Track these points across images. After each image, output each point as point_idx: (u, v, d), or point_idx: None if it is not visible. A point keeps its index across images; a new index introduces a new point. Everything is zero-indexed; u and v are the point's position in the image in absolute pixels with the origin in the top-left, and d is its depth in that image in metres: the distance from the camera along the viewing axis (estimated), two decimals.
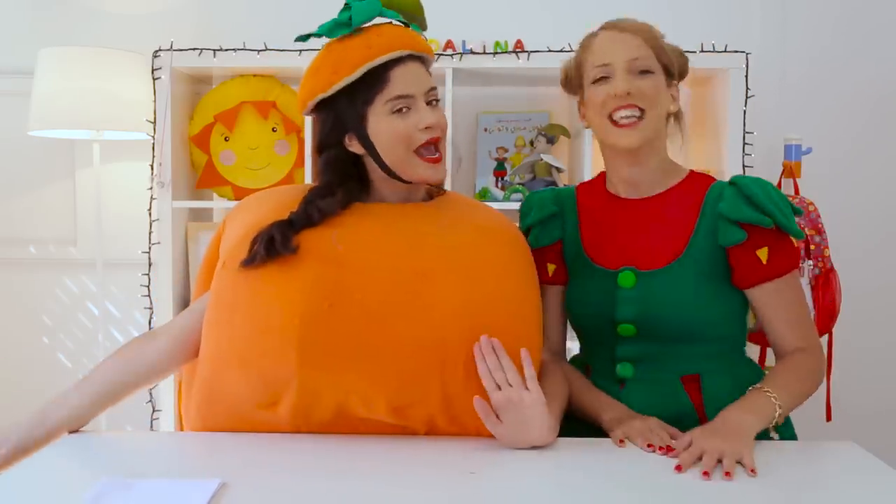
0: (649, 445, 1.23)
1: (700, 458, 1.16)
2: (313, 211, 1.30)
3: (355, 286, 1.24)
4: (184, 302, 2.32)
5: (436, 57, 1.42)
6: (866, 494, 1.09)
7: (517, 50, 2.27)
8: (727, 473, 1.11)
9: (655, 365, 1.40)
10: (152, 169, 2.27)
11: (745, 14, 2.56)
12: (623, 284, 1.41)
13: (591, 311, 1.45)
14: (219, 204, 2.48)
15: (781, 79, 2.58)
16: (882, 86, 2.61)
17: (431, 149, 1.32)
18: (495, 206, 2.32)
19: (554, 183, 2.37)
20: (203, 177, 2.39)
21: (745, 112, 2.22)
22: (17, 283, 2.69)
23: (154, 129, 2.26)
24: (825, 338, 1.96)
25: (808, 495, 1.09)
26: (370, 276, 1.25)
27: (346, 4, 1.34)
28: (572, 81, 1.49)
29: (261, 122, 2.36)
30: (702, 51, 2.18)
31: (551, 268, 1.54)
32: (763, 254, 1.36)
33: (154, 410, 2.34)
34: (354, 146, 1.35)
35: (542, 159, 2.38)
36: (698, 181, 1.45)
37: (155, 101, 2.26)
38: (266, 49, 2.26)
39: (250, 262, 1.26)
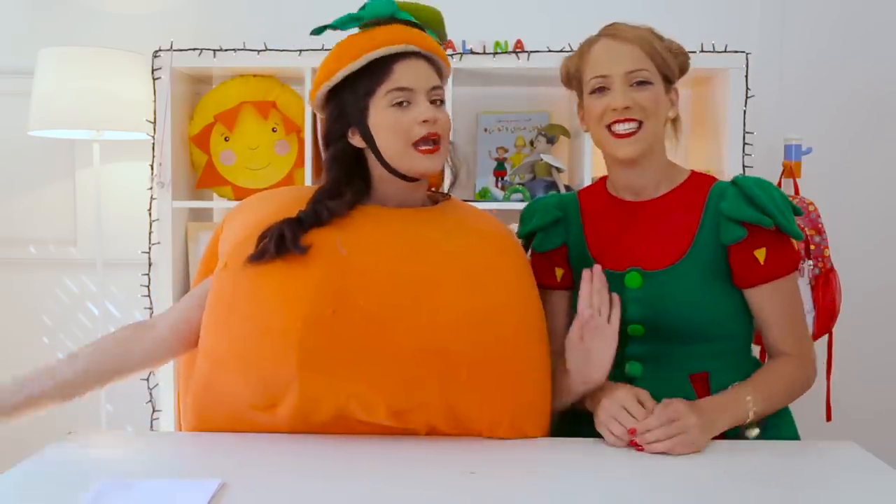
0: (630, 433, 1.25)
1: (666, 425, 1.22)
2: (322, 210, 1.30)
3: (358, 291, 1.24)
4: None
5: (450, 68, 1.42)
6: (866, 494, 1.09)
7: (517, 50, 2.27)
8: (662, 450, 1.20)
9: (664, 363, 1.40)
10: (152, 169, 2.27)
11: (744, 14, 2.56)
12: (630, 285, 1.41)
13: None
14: (219, 204, 2.48)
15: (781, 79, 2.58)
16: (882, 86, 2.61)
17: (429, 141, 1.32)
18: (495, 206, 2.33)
19: (554, 183, 2.37)
20: (203, 177, 2.39)
21: (745, 112, 2.22)
22: (17, 283, 2.69)
23: (154, 129, 2.26)
24: (825, 338, 1.96)
25: (808, 495, 1.09)
26: (373, 281, 1.25)
27: (363, 5, 1.36)
28: (572, 82, 1.49)
29: (261, 122, 2.35)
30: (702, 51, 2.18)
31: (559, 272, 1.54)
32: (761, 254, 1.36)
33: (154, 410, 2.34)
34: (356, 140, 1.36)
35: (542, 159, 2.37)
36: (700, 181, 1.45)
37: (155, 101, 2.25)
38: (266, 49, 2.26)
39: (259, 257, 1.26)
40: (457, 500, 1.05)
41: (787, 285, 1.39)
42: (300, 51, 2.24)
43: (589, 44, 1.44)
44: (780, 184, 2.25)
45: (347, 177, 1.36)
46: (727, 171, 2.22)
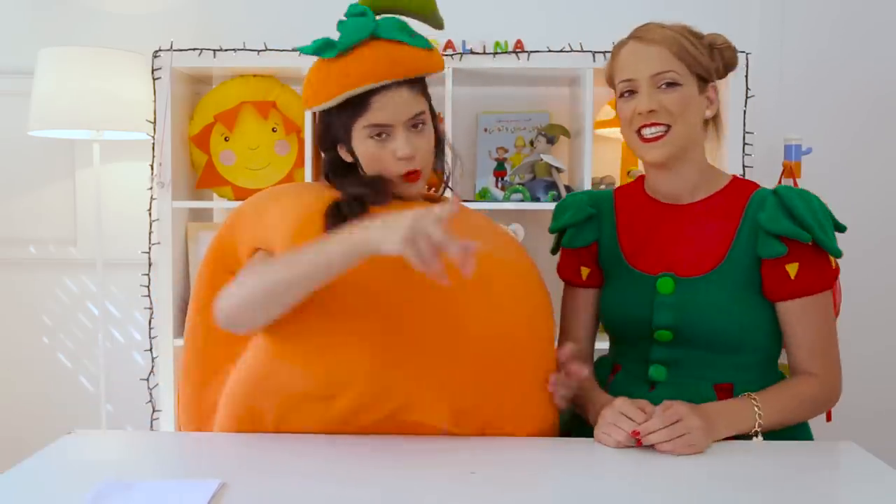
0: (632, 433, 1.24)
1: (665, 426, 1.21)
2: (367, 189, 1.32)
3: (430, 287, 1.21)
4: (184, 302, 2.32)
5: (442, 66, 1.37)
6: (866, 494, 1.09)
7: (517, 50, 2.27)
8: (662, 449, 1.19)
9: (689, 370, 1.39)
10: (152, 169, 2.27)
11: (744, 14, 2.56)
12: (662, 290, 1.39)
13: (628, 316, 1.44)
14: (219, 204, 2.48)
15: (781, 79, 2.58)
16: (882, 86, 2.61)
17: (412, 174, 1.33)
18: (495, 206, 2.33)
19: (554, 183, 2.37)
20: (203, 177, 2.39)
21: (745, 112, 2.22)
22: (17, 283, 2.69)
23: (154, 129, 2.26)
24: None
25: (808, 495, 1.09)
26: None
27: (340, 21, 1.32)
28: (611, 84, 1.46)
29: (261, 122, 2.36)
30: None
31: (585, 271, 1.53)
32: (793, 269, 1.34)
33: (154, 410, 2.34)
34: (345, 155, 1.37)
35: (542, 159, 2.37)
36: (741, 188, 1.42)
37: (155, 101, 2.25)
38: (266, 49, 2.26)
39: (337, 226, 1.22)
40: (457, 500, 1.05)
41: (818, 303, 1.36)
42: (300, 51, 2.23)
43: (619, 46, 1.42)
44: (779, 184, 2.25)
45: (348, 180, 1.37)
46: (727, 170, 2.22)
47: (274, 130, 2.36)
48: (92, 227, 2.50)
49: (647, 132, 1.36)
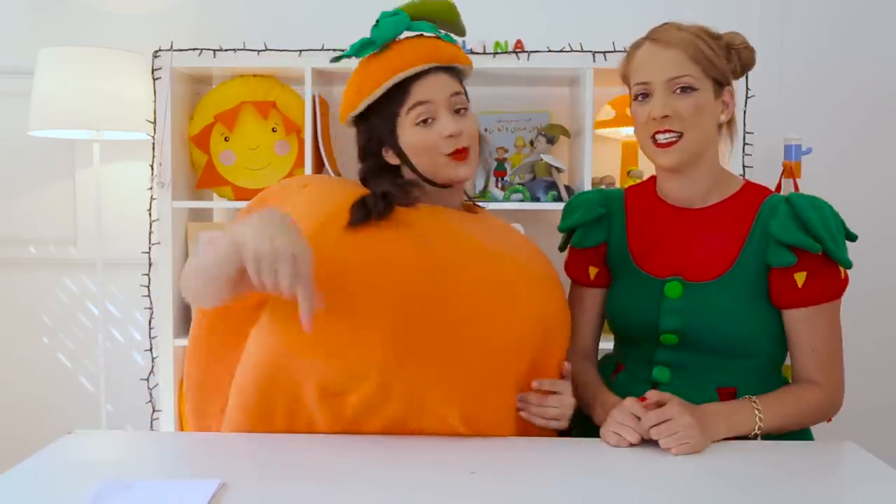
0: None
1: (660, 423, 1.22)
2: (397, 184, 1.34)
3: (449, 290, 1.26)
4: (184, 302, 2.32)
5: (471, 65, 1.44)
6: (866, 494, 1.09)
7: (517, 50, 2.27)
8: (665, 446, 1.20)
9: (693, 373, 1.39)
10: (152, 169, 2.27)
11: (744, 14, 2.56)
12: (669, 294, 1.39)
13: (634, 318, 1.44)
14: (219, 204, 2.48)
15: (781, 79, 2.58)
16: (882, 85, 2.61)
17: (459, 152, 1.35)
18: (495, 206, 2.33)
19: (554, 183, 2.37)
20: (203, 177, 2.39)
21: (745, 112, 2.22)
22: (17, 283, 2.69)
23: (154, 129, 2.26)
24: None
25: (809, 495, 1.09)
26: (464, 281, 1.28)
27: (377, 21, 1.38)
28: (626, 83, 1.45)
29: (261, 123, 2.36)
30: None
31: (593, 271, 1.53)
32: (800, 278, 1.33)
33: (154, 410, 2.34)
34: (391, 157, 1.39)
35: (542, 159, 2.37)
36: (753, 193, 1.41)
37: (155, 101, 2.26)
38: (266, 49, 2.26)
39: (364, 219, 1.25)
40: (457, 500, 1.05)
41: (825, 312, 1.35)
42: (300, 51, 2.24)
43: (635, 47, 1.41)
44: (779, 184, 2.25)
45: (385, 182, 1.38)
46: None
47: (274, 130, 2.37)
48: (92, 227, 2.50)
49: (660, 137, 1.35)
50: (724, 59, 1.38)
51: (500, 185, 2.48)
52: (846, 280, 1.37)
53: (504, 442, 1.28)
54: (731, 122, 1.43)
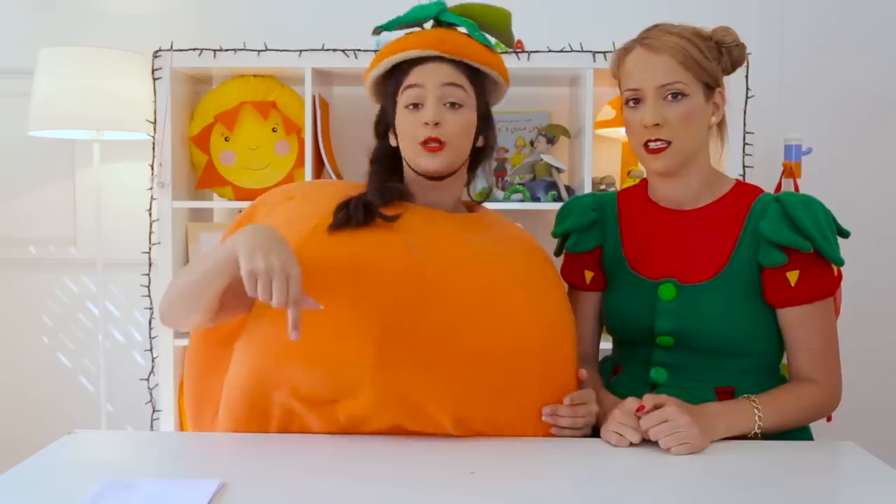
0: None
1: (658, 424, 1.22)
2: (384, 190, 1.33)
3: (436, 297, 1.25)
4: None
5: (500, 71, 1.41)
6: (866, 494, 1.09)
7: (517, 50, 2.27)
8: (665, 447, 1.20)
9: (690, 374, 1.39)
10: (152, 169, 2.27)
11: (744, 14, 2.56)
12: (664, 297, 1.39)
13: (630, 321, 1.45)
14: (219, 204, 2.48)
15: (781, 79, 2.58)
16: (882, 85, 2.61)
17: (433, 141, 1.32)
18: (495, 206, 2.33)
19: (554, 183, 2.37)
20: (203, 177, 2.39)
21: (745, 112, 2.22)
22: (17, 283, 2.69)
23: (154, 129, 2.26)
24: None
25: (809, 495, 1.09)
26: (449, 286, 1.27)
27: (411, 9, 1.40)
28: (616, 79, 1.45)
29: (261, 123, 2.36)
30: None
31: (589, 275, 1.54)
32: (793, 276, 1.33)
33: (154, 410, 2.34)
34: (393, 139, 1.39)
35: (542, 159, 2.37)
36: (744, 193, 1.42)
37: (155, 101, 2.25)
38: (266, 49, 2.26)
39: (343, 224, 1.27)
40: (457, 500, 1.05)
41: (819, 310, 1.36)
42: (300, 51, 2.24)
43: (625, 51, 1.40)
44: (780, 184, 2.25)
45: (387, 174, 1.39)
46: (727, 170, 2.22)
47: (274, 130, 2.36)
48: (92, 227, 2.50)
49: (651, 144, 1.35)
50: (715, 61, 1.38)
51: (500, 185, 2.48)
52: (839, 277, 1.37)
53: (504, 442, 1.27)
54: (721, 123, 1.43)
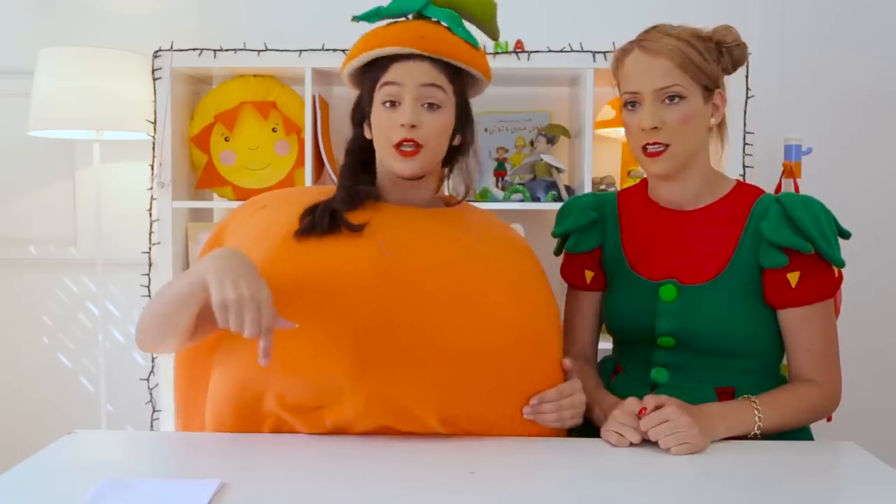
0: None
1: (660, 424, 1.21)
2: (353, 194, 1.32)
3: (409, 298, 1.24)
4: None
5: (483, 71, 1.39)
6: (866, 494, 1.09)
7: (517, 50, 2.27)
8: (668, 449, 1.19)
9: (691, 374, 1.38)
10: (152, 169, 2.27)
11: (744, 14, 2.56)
12: (664, 298, 1.39)
13: (631, 321, 1.44)
14: (219, 204, 2.48)
15: (781, 79, 2.58)
16: (882, 85, 2.61)
17: (408, 144, 1.29)
18: (495, 206, 2.33)
19: (554, 183, 2.37)
20: (203, 177, 2.39)
21: (745, 112, 2.22)
22: (17, 283, 2.69)
23: (154, 129, 2.26)
24: None
25: (809, 495, 1.09)
26: (423, 287, 1.25)
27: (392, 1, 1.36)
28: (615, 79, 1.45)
29: (261, 123, 2.36)
30: None
31: (589, 275, 1.53)
32: (794, 277, 1.33)
33: (154, 410, 2.34)
34: (368, 132, 1.36)
35: (542, 159, 2.37)
36: (745, 193, 1.41)
37: (155, 101, 2.26)
38: (266, 49, 2.26)
39: (307, 231, 1.25)
40: (457, 500, 1.05)
41: (820, 311, 1.35)
42: (300, 51, 2.24)
43: (623, 53, 1.40)
44: (780, 184, 2.25)
45: (361, 167, 1.37)
46: (727, 171, 2.22)
47: (274, 130, 2.37)
48: (92, 227, 2.50)
49: (649, 147, 1.35)
50: (714, 62, 1.37)
51: (500, 185, 2.48)
52: (840, 277, 1.37)
53: (504, 442, 1.27)
54: (721, 124, 1.43)
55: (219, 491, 1.04)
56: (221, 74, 2.42)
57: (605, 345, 1.57)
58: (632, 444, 1.24)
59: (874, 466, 1.18)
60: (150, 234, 2.34)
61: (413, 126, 1.28)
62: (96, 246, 2.41)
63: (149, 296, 2.33)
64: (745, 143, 2.23)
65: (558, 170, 2.37)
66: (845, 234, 1.37)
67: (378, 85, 1.31)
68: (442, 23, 1.35)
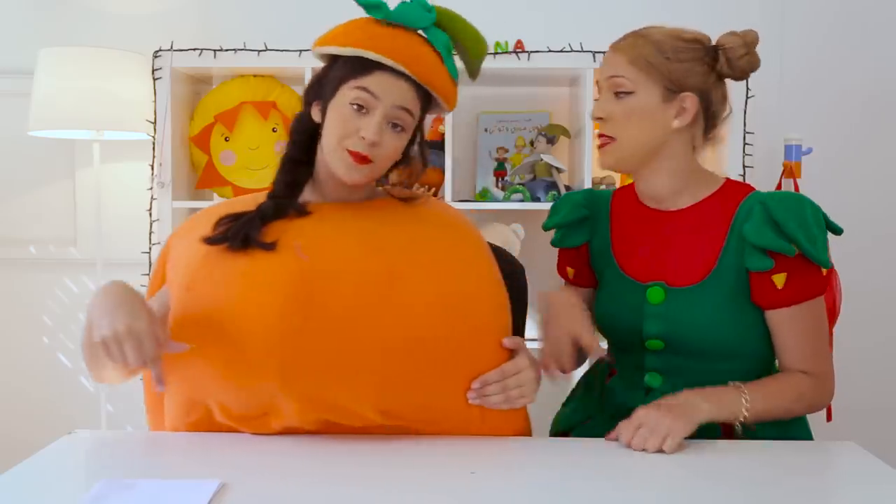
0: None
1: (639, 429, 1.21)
2: (278, 207, 1.29)
3: (326, 295, 1.22)
4: None
5: (450, 108, 1.35)
6: (866, 494, 1.09)
7: (517, 50, 2.27)
8: (646, 449, 1.18)
9: (684, 377, 1.37)
10: (152, 169, 2.28)
11: (744, 14, 2.56)
12: (652, 300, 1.38)
13: (619, 323, 1.44)
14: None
15: (781, 79, 2.58)
16: (882, 85, 2.61)
17: (359, 156, 1.26)
18: (495, 206, 2.33)
19: (554, 183, 2.37)
20: (203, 177, 2.39)
21: (745, 112, 2.22)
22: (17, 283, 2.69)
23: (154, 129, 2.26)
24: None
25: (809, 495, 1.09)
26: (339, 283, 1.23)
27: (405, 2, 1.31)
28: None
29: (261, 123, 2.36)
30: None
31: (570, 271, 1.55)
32: (780, 279, 1.31)
33: None
34: (316, 114, 1.31)
35: (542, 159, 2.38)
36: (732, 192, 1.39)
37: (155, 101, 2.26)
38: (266, 49, 2.26)
39: (217, 242, 1.24)
40: (457, 500, 1.05)
41: (807, 311, 1.34)
42: (300, 51, 2.24)
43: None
44: (780, 184, 2.25)
45: (302, 154, 1.33)
46: (727, 171, 2.23)
47: (274, 130, 2.37)
48: (92, 227, 2.50)
49: (600, 138, 1.39)
50: (694, 63, 1.34)
51: (500, 185, 2.48)
52: (827, 276, 1.37)
53: (504, 442, 1.28)
54: (709, 128, 1.39)
55: (219, 491, 1.04)
56: (221, 74, 2.42)
57: (604, 344, 1.57)
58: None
59: (874, 466, 1.18)
60: (150, 234, 2.34)
61: (373, 144, 1.26)
62: (96, 246, 2.41)
63: None
64: (745, 143, 2.23)
65: (558, 170, 2.37)
66: (837, 231, 1.35)
67: (353, 83, 1.27)
68: (436, 47, 1.31)
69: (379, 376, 1.22)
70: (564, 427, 1.52)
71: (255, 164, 2.37)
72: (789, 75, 2.59)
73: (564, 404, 1.59)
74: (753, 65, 1.40)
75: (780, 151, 2.31)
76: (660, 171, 1.39)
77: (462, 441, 1.26)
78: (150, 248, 2.34)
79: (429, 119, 2.29)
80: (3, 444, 2.53)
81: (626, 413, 1.27)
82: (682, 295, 1.37)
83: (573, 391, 1.60)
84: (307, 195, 1.35)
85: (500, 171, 2.51)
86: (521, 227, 2.36)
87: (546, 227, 1.57)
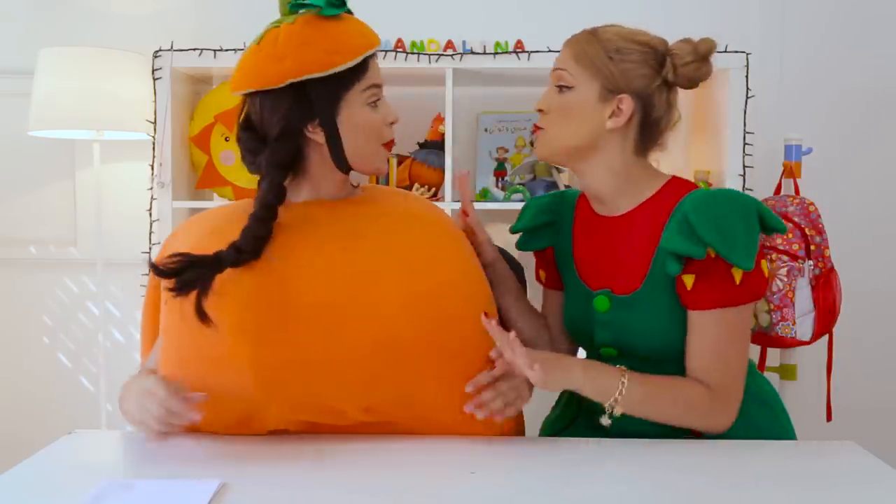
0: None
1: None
2: (243, 248, 1.22)
3: (298, 298, 1.22)
4: None
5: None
6: (866, 494, 1.09)
7: (517, 50, 2.27)
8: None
9: None
10: (152, 169, 2.27)
11: (744, 14, 2.56)
12: (598, 308, 1.37)
13: (576, 329, 1.46)
14: (219, 204, 2.48)
15: (781, 79, 2.58)
16: (882, 85, 2.61)
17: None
18: (496, 206, 2.33)
19: (555, 183, 2.37)
20: (203, 177, 2.39)
21: (745, 112, 2.22)
22: (17, 283, 2.69)
23: (154, 129, 2.26)
24: (825, 338, 1.95)
25: (809, 495, 1.09)
26: (310, 285, 1.23)
27: None
28: None
29: None
30: None
31: (542, 274, 1.56)
32: (689, 280, 1.28)
33: None
34: (317, 135, 1.29)
35: None
36: (670, 195, 1.34)
37: (155, 101, 2.26)
38: None
39: (182, 290, 1.21)
40: (457, 500, 1.05)
41: (719, 319, 1.27)
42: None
43: None
44: (780, 184, 2.25)
45: (283, 178, 1.29)
46: (727, 171, 2.23)
47: None
48: (92, 227, 2.50)
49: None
50: (636, 66, 1.33)
51: (500, 185, 2.48)
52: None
53: (504, 442, 1.28)
54: (651, 133, 1.36)
55: (219, 491, 1.04)
56: (221, 74, 2.42)
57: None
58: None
59: (874, 466, 1.18)
60: (150, 234, 2.33)
61: (397, 122, 1.33)
62: (96, 246, 2.41)
63: None
64: (745, 143, 2.23)
65: (558, 170, 2.37)
66: (780, 229, 1.29)
67: (360, 85, 1.28)
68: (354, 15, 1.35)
69: (359, 374, 1.23)
70: (549, 434, 1.51)
71: None
72: (789, 75, 2.59)
73: (553, 409, 1.59)
74: (701, 74, 1.35)
75: (780, 151, 2.31)
76: (597, 169, 1.37)
77: (462, 441, 1.26)
78: (150, 249, 2.34)
79: (429, 119, 2.31)
80: (4, 443, 2.53)
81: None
82: (624, 303, 1.35)
83: (560, 395, 1.58)
84: (304, 195, 1.35)
85: (500, 171, 2.51)
86: None
87: (512, 231, 1.57)
